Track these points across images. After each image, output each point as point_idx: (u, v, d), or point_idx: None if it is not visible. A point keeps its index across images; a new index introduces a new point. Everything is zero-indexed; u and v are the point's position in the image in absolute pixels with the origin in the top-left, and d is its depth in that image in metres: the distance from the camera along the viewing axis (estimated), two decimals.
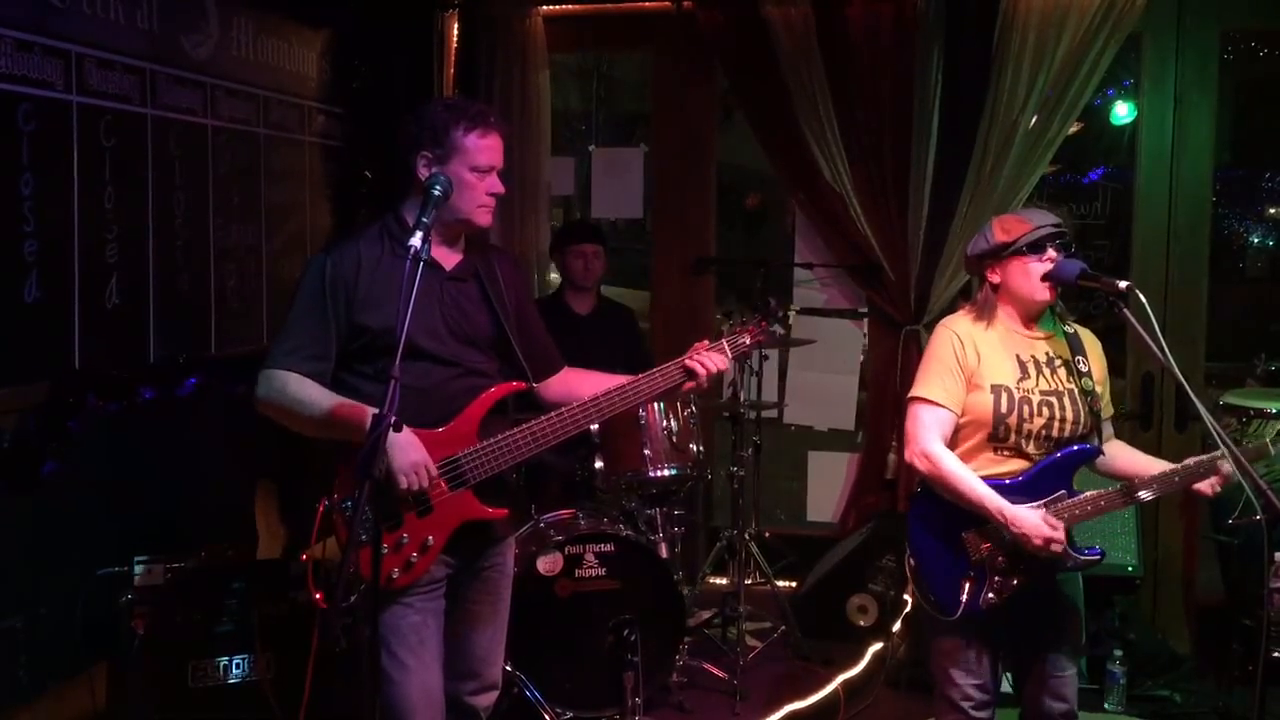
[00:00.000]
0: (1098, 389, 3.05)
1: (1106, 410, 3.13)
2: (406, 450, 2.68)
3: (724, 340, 3.01)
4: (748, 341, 3.05)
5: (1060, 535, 2.89)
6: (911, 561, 3.12)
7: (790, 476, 6.09)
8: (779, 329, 3.29)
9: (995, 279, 3.08)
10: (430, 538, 2.79)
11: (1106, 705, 4.37)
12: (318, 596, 2.73)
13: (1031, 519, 2.90)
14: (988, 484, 2.97)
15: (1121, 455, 3.15)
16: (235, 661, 3.52)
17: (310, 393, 2.75)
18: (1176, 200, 5.09)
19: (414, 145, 2.83)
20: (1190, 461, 2.99)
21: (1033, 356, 3.06)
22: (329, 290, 2.78)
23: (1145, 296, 2.87)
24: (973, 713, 3.09)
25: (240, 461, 4.27)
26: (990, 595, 2.99)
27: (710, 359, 2.95)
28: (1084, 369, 3.04)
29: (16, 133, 3.31)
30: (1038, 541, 2.88)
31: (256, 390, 2.79)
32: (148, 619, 3.44)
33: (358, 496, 2.40)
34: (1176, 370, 2.81)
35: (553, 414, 2.88)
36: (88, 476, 3.59)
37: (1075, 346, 3.08)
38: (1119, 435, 3.26)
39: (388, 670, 2.79)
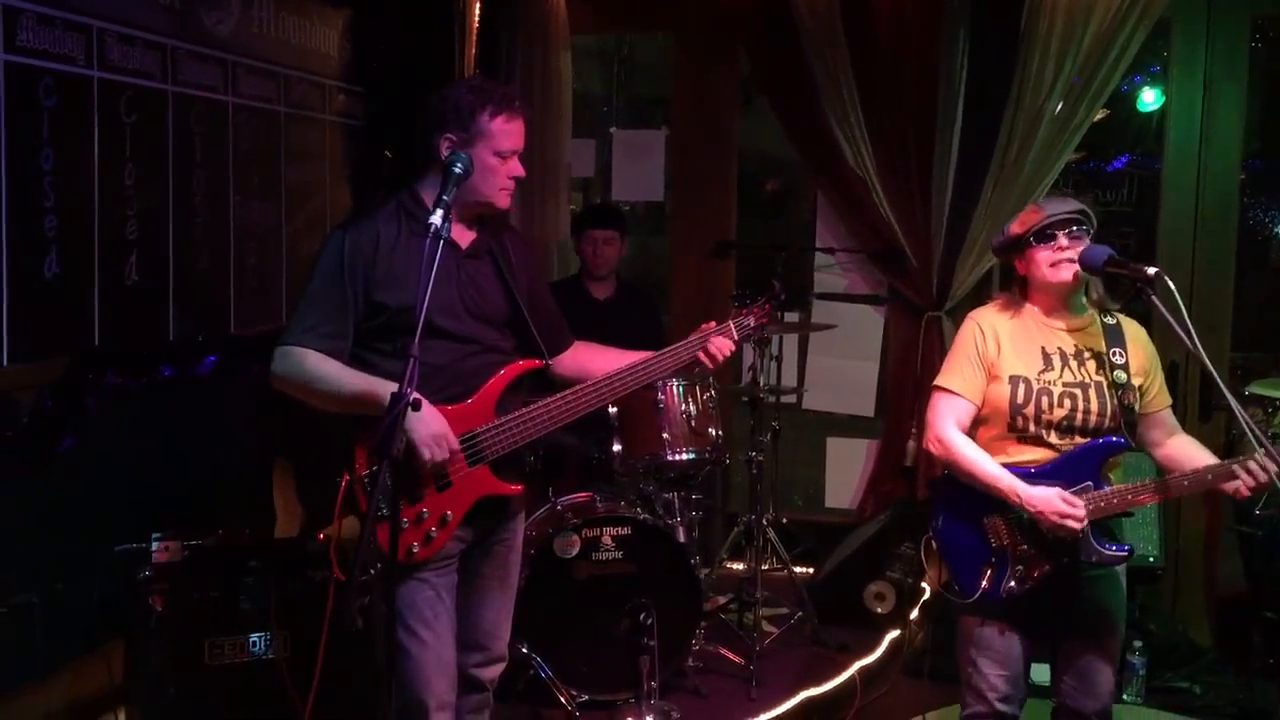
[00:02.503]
0: (1135, 381, 2.99)
1: (1160, 402, 3.08)
2: (428, 422, 2.69)
3: (730, 322, 3.05)
4: (752, 323, 3.09)
5: (1076, 513, 2.85)
6: (933, 544, 3.11)
7: (809, 462, 6.06)
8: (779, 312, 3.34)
9: (1022, 270, 3.08)
10: (449, 512, 2.81)
11: (1125, 696, 4.34)
12: (339, 575, 2.74)
13: (1045, 495, 2.88)
14: (1010, 471, 2.95)
15: (1186, 452, 3.05)
16: (252, 640, 3.52)
17: (327, 368, 2.75)
18: (1204, 188, 5.05)
19: (438, 126, 2.82)
20: (1225, 462, 2.91)
21: (1059, 348, 3.03)
22: (347, 267, 2.78)
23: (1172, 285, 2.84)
24: (998, 704, 3.06)
25: (258, 440, 4.26)
26: (1011, 584, 2.98)
27: (718, 344, 3.00)
28: (1119, 361, 2.99)
29: (37, 107, 3.30)
30: (1053, 518, 2.86)
31: (272, 366, 2.79)
32: (165, 596, 3.43)
33: (376, 475, 2.41)
34: (1205, 357, 2.77)
35: (567, 392, 2.91)
36: (106, 453, 3.59)
37: (1113, 338, 3.03)
38: None
39: (404, 644, 2.81)
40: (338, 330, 2.78)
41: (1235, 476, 2.85)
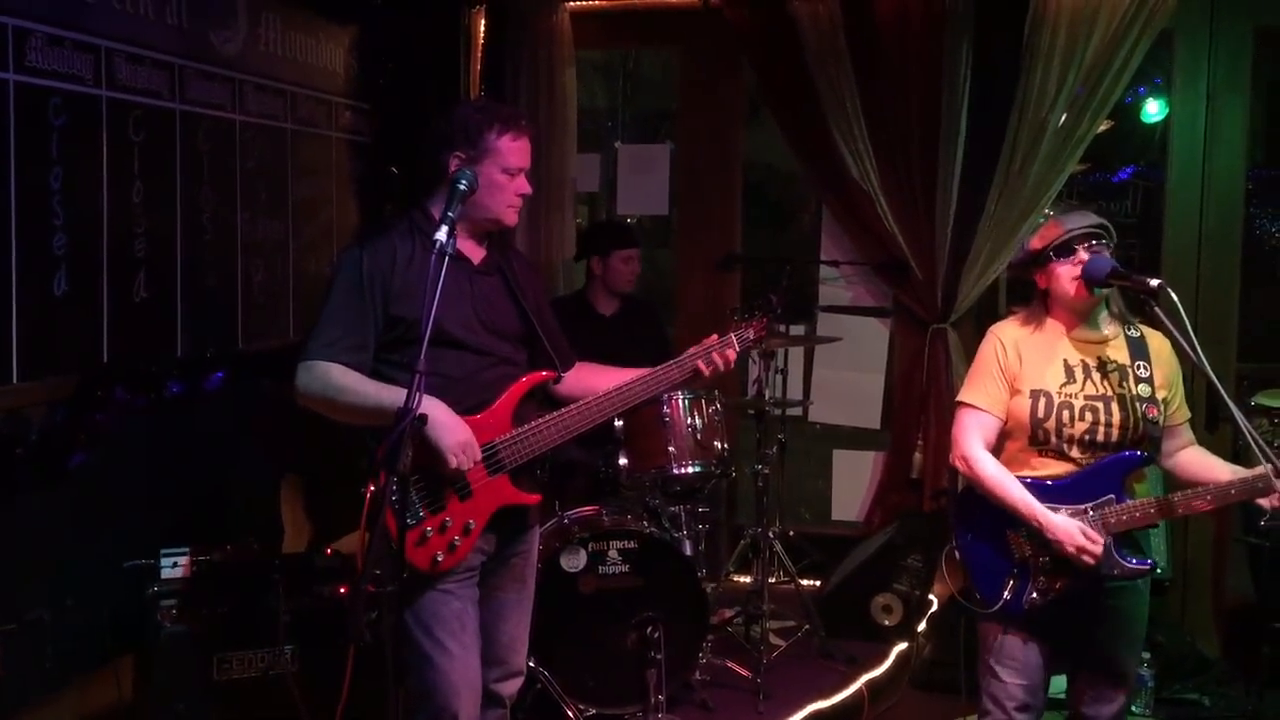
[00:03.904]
0: (1158, 394, 3.00)
1: (1180, 415, 3.09)
2: (453, 430, 2.74)
3: (731, 335, 3.10)
4: (751, 336, 3.14)
5: (1095, 548, 2.87)
6: (956, 554, 3.11)
7: (815, 475, 6.07)
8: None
9: (1043, 285, 3.09)
10: (472, 521, 2.85)
11: (1134, 708, 4.32)
12: (342, 590, 2.76)
13: (1067, 526, 2.89)
14: (1032, 486, 2.97)
15: (1196, 461, 3.07)
16: (261, 655, 3.53)
17: (351, 381, 2.79)
18: (1208, 199, 5.05)
19: (446, 144, 2.89)
20: (1249, 475, 2.91)
21: (1082, 361, 3.04)
22: (366, 282, 2.82)
23: (1176, 296, 2.85)
24: (1015, 713, 3.08)
25: (266, 455, 4.28)
26: (1034, 595, 2.99)
27: (722, 355, 3.04)
28: (1143, 374, 2.99)
29: (47, 127, 3.33)
30: (1070, 549, 2.88)
31: (296, 381, 2.81)
32: (174, 612, 3.45)
33: (385, 490, 2.43)
34: (1208, 369, 2.78)
35: (581, 403, 2.96)
36: (115, 469, 3.61)
37: (1137, 351, 3.03)
38: None
39: (432, 656, 2.84)
40: (360, 343, 2.82)
41: (1265, 493, 2.84)
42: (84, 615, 3.49)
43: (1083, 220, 3.01)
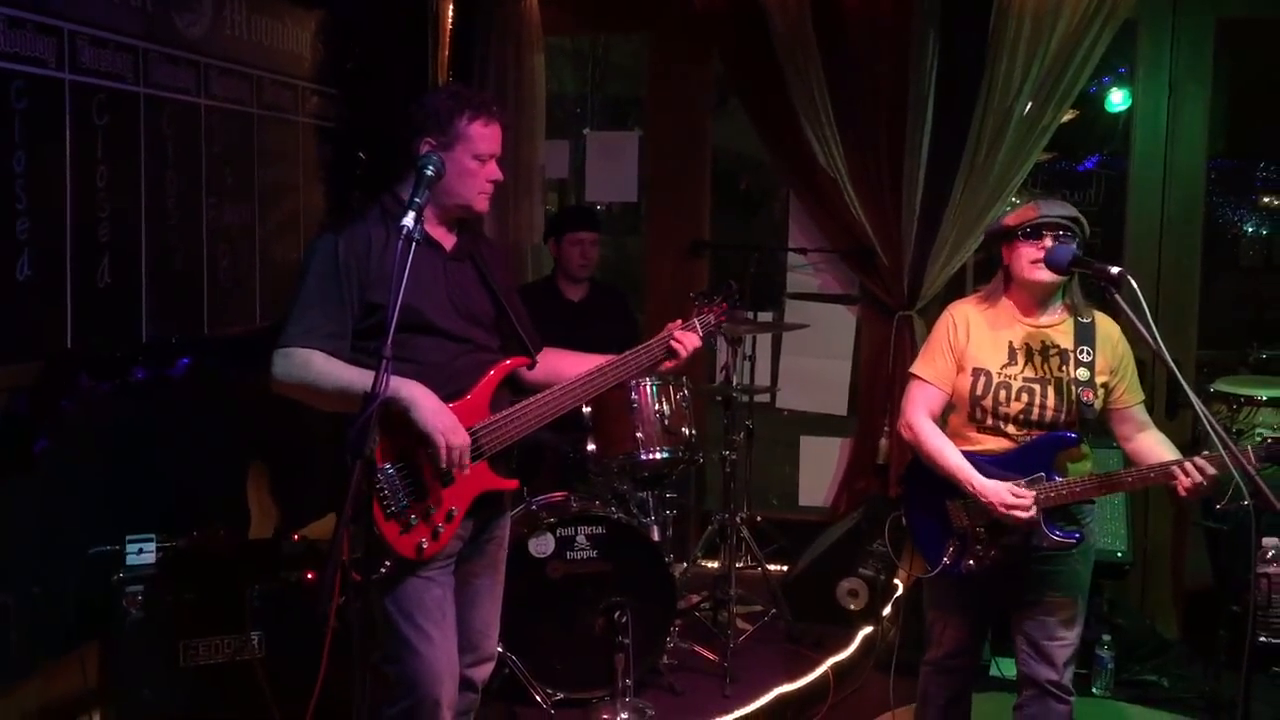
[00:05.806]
0: (1099, 379, 3.08)
1: (1128, 398, 3.15)
2: (440, 414, 2.73)
3: (695, 320, 3.17)
4: (713, 321, 3.20)
5: (1024, 503, 2.99)
6: (904, 520, 3.29)
7: (782, 461, 6.10)
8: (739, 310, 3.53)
9: (1006, 260, 3.18)
10: (454, 508, 2.85)
11: (1094, 689, 4.39)
12: (310, 576, 2.75)
13: (996, 487, 3.02)
14: (970, 459, 3.09)
15: (1151, 450, 3.11)
16: (227, 641, 3.52)
17: (332, 368, 2.76)
18: (1170, 188, 5.11)
19: (418, 130, 2.88)
20: (1166, 461, 2.99)
21: (1026, 343, 3.14)
22: (342, 269, 2.81)
23: (1138, 284, 2.89)
24: (951, 659, 3.32)
25: (232, 441, 4.26)
26: (970, 563, 3.14)
27: (686, 339, 3.11)
28: (1085, 359, 3.08)
29: (9, 110, 3.30)
30: (1001, 509, 3.00)
31: (274, 369, 2.78)
32: (140, 598, 3.44)
33: (350, 476, 2.42)
34: (1167, 356, 2.82)
35: (555, 389, 2.98)
36: (80, 456, 3.59)
37: (1083, 336, 3.12)
38: None
39: (415, 644, 2.84)
40: (338, 330, 2.80)
41: (1174, 477, 2.94)
42: (49, 602, 3.48)
43: (1059, 210, 3.10)
